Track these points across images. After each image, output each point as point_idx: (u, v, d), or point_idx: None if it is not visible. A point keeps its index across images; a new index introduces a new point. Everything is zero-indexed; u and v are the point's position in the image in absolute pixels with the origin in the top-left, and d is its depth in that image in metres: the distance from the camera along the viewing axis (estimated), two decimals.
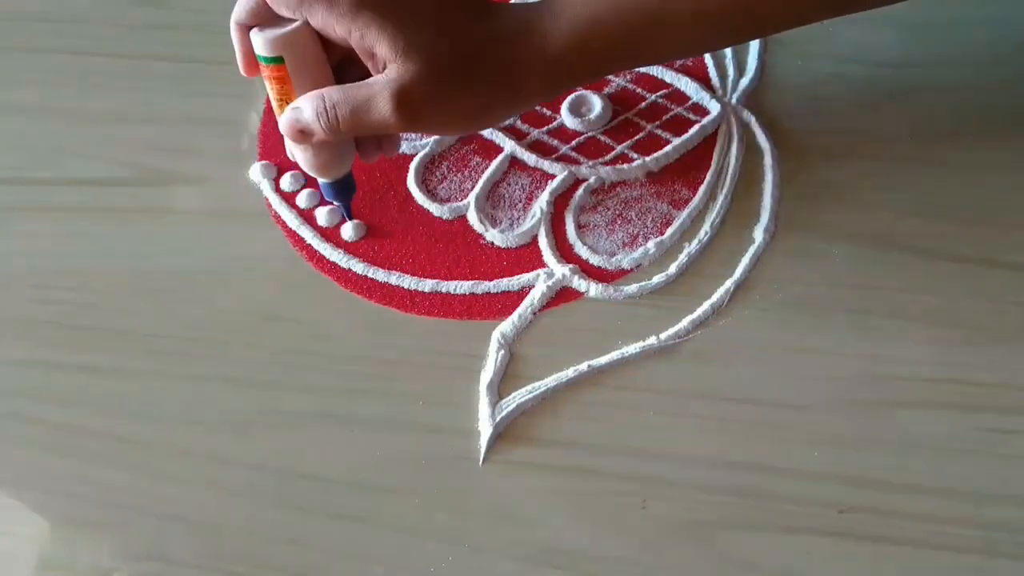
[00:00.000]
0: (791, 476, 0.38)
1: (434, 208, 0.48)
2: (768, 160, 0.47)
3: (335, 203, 0.46)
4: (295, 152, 0.42)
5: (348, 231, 0.47)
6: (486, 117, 0.41)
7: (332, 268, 0.46)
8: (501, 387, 0.42)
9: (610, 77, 0.51)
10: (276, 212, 0.48)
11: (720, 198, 0.47)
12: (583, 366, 0.42)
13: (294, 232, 0.48)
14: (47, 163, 0.52)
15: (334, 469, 0.40)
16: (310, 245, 0.47)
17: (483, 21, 0.38)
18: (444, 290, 0.45)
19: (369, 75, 0.38)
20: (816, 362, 0.41)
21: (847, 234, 0.45)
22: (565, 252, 0.46)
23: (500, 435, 0.40)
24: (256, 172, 0.50)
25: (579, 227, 0.47)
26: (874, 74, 0.51)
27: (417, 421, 0.41)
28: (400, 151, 0.49)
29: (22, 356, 0.45)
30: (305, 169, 0.43)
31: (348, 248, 0.47)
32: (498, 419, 0.40)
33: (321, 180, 0.43)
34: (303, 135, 0.39)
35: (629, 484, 0.39)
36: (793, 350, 0.42)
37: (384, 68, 0.37)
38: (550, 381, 0.41)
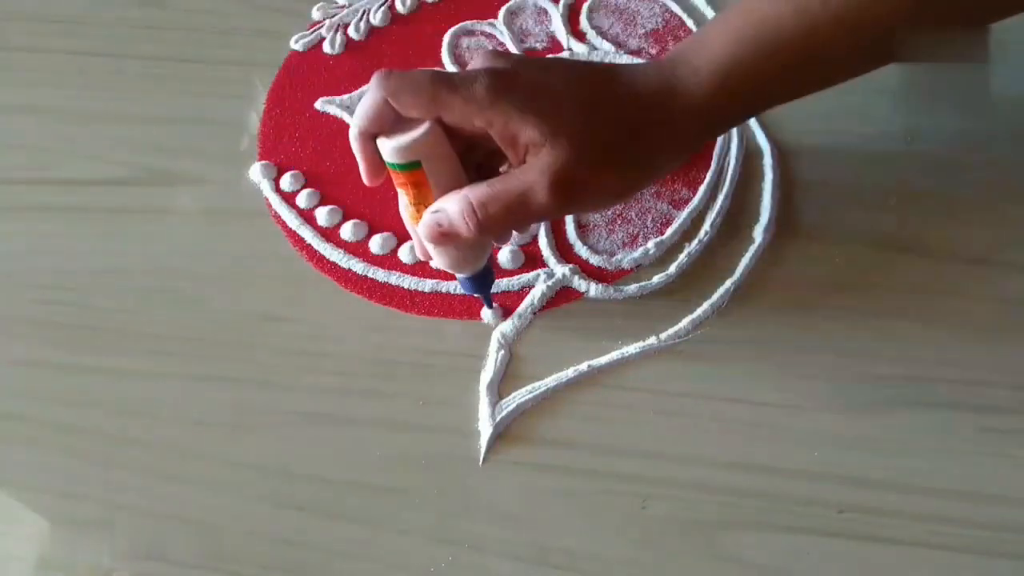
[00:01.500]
0: (791, 476, 0.38)
1: None
2: (768, 160, 0.47)
3: (474, 295, 0.43)
4: (431, 252, 0.39)
5: (487, 317, 0.44)
6: (638, 186, 0.39)
7: (332, 268, 0.46)
8: (501, 387, 0.42)
9: None
10: (276, 212, 0.48)
11: (720, 198, 0.46)
12: (583, 366, 0.42)
13: (294, 232, 0.48)
14: (48, 163, 0.52)
15: (334, 469, 0.40)
16: (310, 245, 0.47)
17: (618, 89, 0.36)
18: (444, 290, 0.45)
19: (495, 159, 0.37)
20: (816, 362, 0.41)
21: (847, 234, 0.45)
22: (565, 252, 0.46)
23: (500, 435, 0.40)
24: (256, 172, 0.50)
25: (579, 227, 0.47)
26: (874, 74, 0.51)
27: (417, 421, 0.41)
28: None
29: (22, 356, 0.45)
30: (443, 268, 0.40)
31: (348, 248, 0.47)
32: (498, 419, 0.40)
33: (459, 275, 0.41)
34: (447, 238, 0.37)
35: (629, 484, 0.39)
36: (793, 350, 0.42)
37: (527, 154, 0.35)
38: (550, 381, 0.41)
